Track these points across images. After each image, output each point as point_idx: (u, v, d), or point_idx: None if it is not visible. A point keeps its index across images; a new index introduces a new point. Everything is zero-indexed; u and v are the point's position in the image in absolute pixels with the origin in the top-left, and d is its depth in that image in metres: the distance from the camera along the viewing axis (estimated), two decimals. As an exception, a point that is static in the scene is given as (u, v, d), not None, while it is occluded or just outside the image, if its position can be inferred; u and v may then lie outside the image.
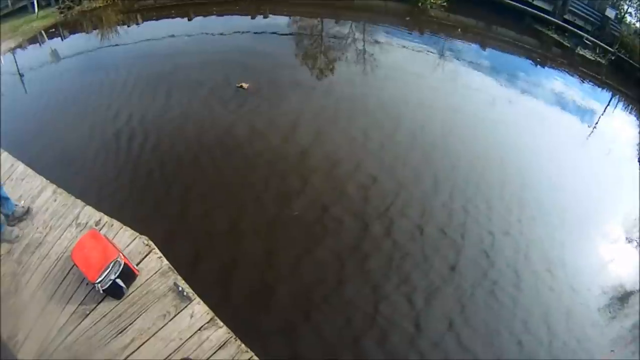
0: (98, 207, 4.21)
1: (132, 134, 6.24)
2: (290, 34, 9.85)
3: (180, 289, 3.36)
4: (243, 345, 3.15)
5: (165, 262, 3.60)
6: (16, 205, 4.36)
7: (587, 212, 5.59)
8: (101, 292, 3.35)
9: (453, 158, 6.01)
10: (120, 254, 3.38)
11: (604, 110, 8.16)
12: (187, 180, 5.47)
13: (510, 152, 6.33)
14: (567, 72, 9.17)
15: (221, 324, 3.24)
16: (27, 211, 4.38)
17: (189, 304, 3.34)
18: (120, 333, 3.34)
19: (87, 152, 6.00)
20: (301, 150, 5.91)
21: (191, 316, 3.29)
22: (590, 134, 7.29)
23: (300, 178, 5.47)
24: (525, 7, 10.23)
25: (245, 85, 7.08)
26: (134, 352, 3.24)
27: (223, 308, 3.50)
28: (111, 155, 5.94)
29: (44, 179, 4.66)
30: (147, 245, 3.71)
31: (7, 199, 4.29)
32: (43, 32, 10.37)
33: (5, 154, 5.17)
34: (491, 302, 4.35)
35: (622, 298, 4.75)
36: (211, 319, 3.25)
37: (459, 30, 10.08)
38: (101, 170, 5.69)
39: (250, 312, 4.09)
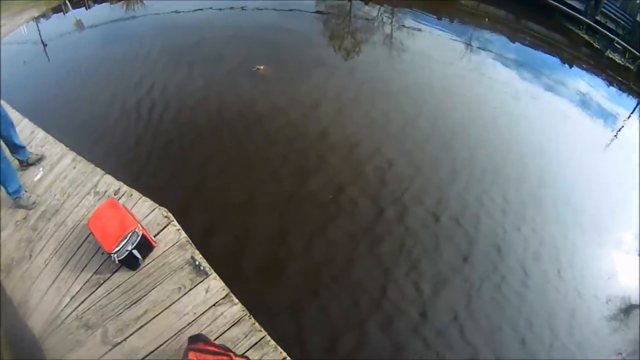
0: (116, 174, 4.18)
1: (153, 104, 6.22)
2: (317, 13, 9.73)
3: (197, 263, 3.28)
4: (257, 324, 3.07)
5: (184, 234, 3.50)
6: (30, 154, 4.50)
7: (602, 217, 5.45)
8: (117, 262, 3.27)
9: (472, 148, 5.92)
10: (139, 225, 3.29)
11: (629, 117, 7.97)
12: (206, 152, 5.45)
13: (530, 148, 6.19)
14: (594, 73, 8.90)
15: (236, 300, 3.16)
16: (40, 158, 4.54)
17: (205, 278, 3.26)
18: (133, 304, 3.27)
19: (108, 120, 6.02)
20: (321, 129, 5.85)
21: (206, 291, 3.21)
22: (612, 139, 7.13)
23: (319, 156, 5.43)
24: (556, 4, 9.97)
25: (261, 67, 6.96)
26: (146, 323, 3.17)
27: (233, 280, 3.47)
28: (131, 124, 5.93)
29: (64, 147, 4.60)
30: (166, 217, 3.62)
31: (23, 147, 4.43)
32: (67, 1, 10.33)
33: (25, 121, 5.15)
34: (497, 297, 4.30)
35: (627, 310, 4.63)
36: (226, 295, 3.17)
37: (488, 20, 9.91)
38: (121, 139, 5.69)
39: (260, 285, 4.08)
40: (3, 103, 4.33)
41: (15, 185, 4.06)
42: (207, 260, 3.41)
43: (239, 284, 3.69)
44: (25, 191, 4.18)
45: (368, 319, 3.95)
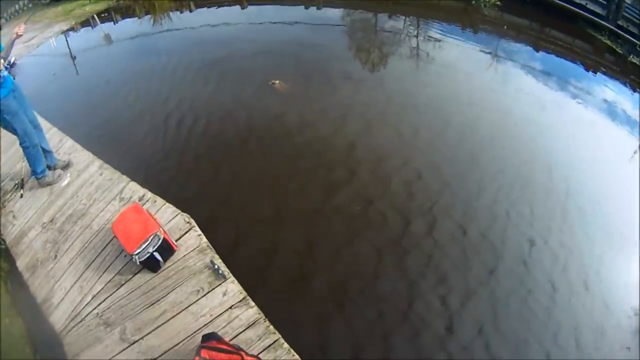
0: (144, 185, 4.31)
1: (181, 118, 6.31)
2: (342, 26, 9.79)
3: (216, 266, 3.38)
4: (272, 326, 3.13)
5: (204, 239, 3.61)
6: (57, 160, 4.81)
7: (630, 229, 5.25)
8: (138, 263, 3.39)
9: (500, 161, 5.86)
10: (161, 229, 3.41)
11: (656, 125, 7.85)
12: (234, 165, 5.49)
13: (557, 159, 6.06)
14: (619, 80, 8.67)
15: (252, 303, 3.23)
16: (67, 164, 4.81)
17: (224, 282, 3.35)
18: (152, 305, 3.37)
19: (137, 133, 6.11)
20: (349, 142, 5.84)
21: (224, 294, 3.30)
22: (637, 149, 7.00)
23: (347, 170, 5.42)
24: (578, 11, 9.76)
25: (276, 82, 6.97)
26: (163, 323, 3.27)
27: (258, 292, 3.51)
28: (160, 137, 6.02)
29: (91, 154, 4.79)
30: (188, 222, 3.75)
31: (50, 152, 4.73)
32: (95, 16, 10.58)
33: (54, 129, 5.35)
34: (524, 311, 4.20)
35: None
36: (243, 298, 3.25)
37: (512, 30, 9.87)
38: (149, 152, 5.78)
39: (285, 298, 4.06)
40: None
41: (42, 166, 4.53)
42: (233, 270, 3.48)
43: (265, 294, 3.76)
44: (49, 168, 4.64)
45: (394, 332, 3.90)
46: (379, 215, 4.89)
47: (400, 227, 4.80)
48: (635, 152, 6.67)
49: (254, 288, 3.49)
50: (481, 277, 4.42)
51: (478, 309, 4.15)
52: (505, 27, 9.85)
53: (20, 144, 4.30)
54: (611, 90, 8.27)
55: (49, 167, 4.67)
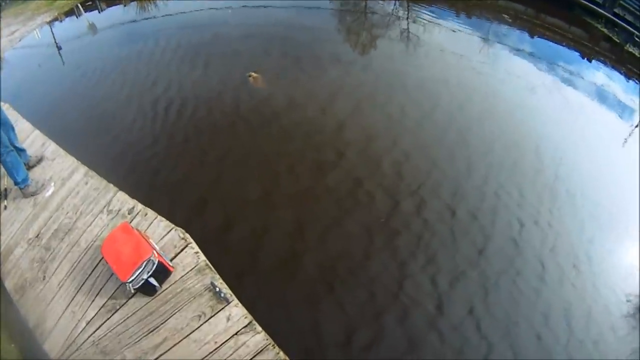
0: (134, 170, 4.37)
1: (169, 102, 6.11)
2: (332, 9, 9.41)
3: (217, 289, 2.99)
4: (281, 352, 2.80)
5: (202, 258, 3.21)
6: (30, 156, 4.49)
7: (619, 212, 5.17)
8: (132, 291, 3.02)
9: (488, 142, 5.68)
10: (154, 252, 2.99)
11: (648, 112, 7.58)
12: (223, 148, 5.33)
13: (546, 141, 5.91)
14: (613, 68, 8.37)
15: (259, 328, 2.87)
16: (40, 160, 4.50)
17: (226, 305, 2.97)
18: (151, 332, 3.01)
19: (124, 119, 5.93)
20: (338, 123, 5.68)
21: (228, 319, 2.92)
22: (630, 133, 6.76)
23: (336, 151, 5.26)
24: None
25: (254, 75, 6.57)
26: (165, 352, 2.91)
27: (250, 276, 3.54)
28: (148, 122, 5.84)
29: (75, 160, 4.32)
30: (183, 238, 3.32)
31: (23, 150, 4.41)
32: (80, 5, 10.08)
33: (36, 132, 4.88)
34: (514, 292, 4.12)
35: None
36: (249, 323, 2.88)
37: (507, 15, 9.42)
38: (138, 137, 5.61)
39: (276, 279, 3.94)
40: (3, 106, 4.37)
41: (23, 175, 4.13)
42: (225, 254, 3.43)
43: (256, 276, 3.89)
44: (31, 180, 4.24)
45: (384, 312, 3.80)
46: (368, 196, 4.81)
47: (389, 207, 4.72)
48: (627, 138, 6.46)
49: (245, 272, 3.62)
50: (471, 258, 4.36)
51: (468, 289, 4.10)
52: (507, 15, 9.43)
53: None
54: (604, 77, 8.14)
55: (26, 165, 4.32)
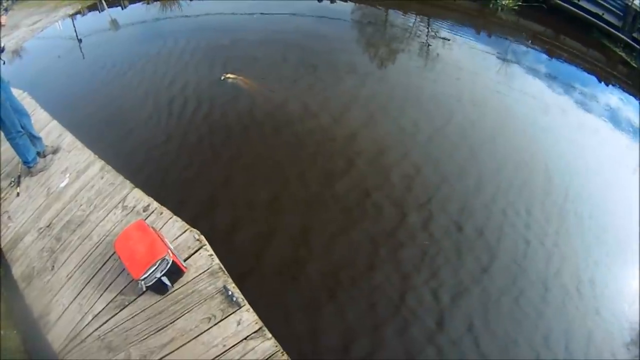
0: (146, 165, 4.30)
1: (185, 102, 6.02)
2: (353, 21, 9.36)
3: (229, 293, 2.87)
4: (290, 361, 2.68)
5: (216, 261, 3.08)
6: (46, 146, 4.42)
7: (627, 238, 5.00)
8: (144, 289, 2.90)
9: (499, 160, 5.59)
10: (169, 251, 2.86)
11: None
12: (235, 150, 5.26)
13: (557, 162, 5.79)
14: (628, 92, 8.16)
15: (269, 335, 2.75)
16: (56, 150, 4.42)
17: (238, 310, 2.84)
18: (159, 331, 2.88)
19: (140, 115, 5.84)
20: (350, 133, 5.58)
21: (238, 323, 2.80)
22: None
23: (347, 160, 5.17)
24: (594, 20, 9.26)
25: (231, 76, 6.47)
26: (172, 352, 2.79)
27: (252, 277, 3.47)
28: (163, 120, 5.76)
29: (92, 154, 4.19)
30: (197, 240, 3.19)
31: (39, 138, 4.32)
32: (103, 0, 10.00)
33: (54, 123, 4.77)
34: (515, 311, 4.01)
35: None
36: (259, 329, 2.76)
37: (526, 35, 9.33)
38: (152, 133, 5.52)
39: (278, 283, 3.86)
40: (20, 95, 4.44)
41: (33, 155, 4.14)
42: (230, 253, 3.27)
43: (259, 278, 3.80)
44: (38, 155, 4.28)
45: (384, 323, 3.69)
46: (376, 207, 4.70)
47: (396, 219, 4.61)
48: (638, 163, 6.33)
49: (248, 272, 3.54)
50: (474, 274, 4.25)
51: (470, 306, 3.98)
52: (526, 35, 9.32)
53: (6, 135, 3.84)
54: (619, 101, 7.94)
55: (38, 154, 4.24)
